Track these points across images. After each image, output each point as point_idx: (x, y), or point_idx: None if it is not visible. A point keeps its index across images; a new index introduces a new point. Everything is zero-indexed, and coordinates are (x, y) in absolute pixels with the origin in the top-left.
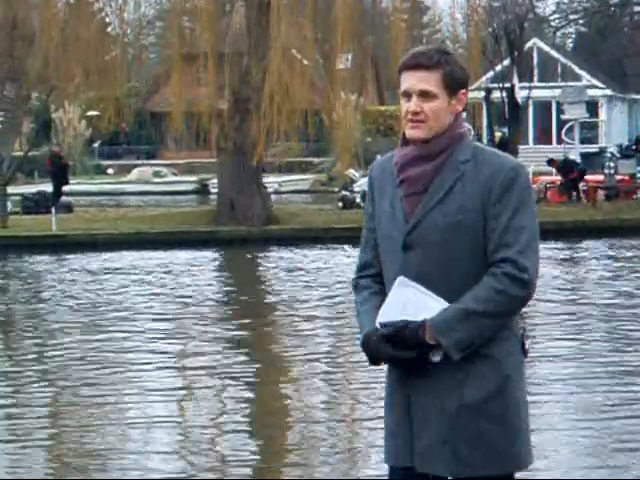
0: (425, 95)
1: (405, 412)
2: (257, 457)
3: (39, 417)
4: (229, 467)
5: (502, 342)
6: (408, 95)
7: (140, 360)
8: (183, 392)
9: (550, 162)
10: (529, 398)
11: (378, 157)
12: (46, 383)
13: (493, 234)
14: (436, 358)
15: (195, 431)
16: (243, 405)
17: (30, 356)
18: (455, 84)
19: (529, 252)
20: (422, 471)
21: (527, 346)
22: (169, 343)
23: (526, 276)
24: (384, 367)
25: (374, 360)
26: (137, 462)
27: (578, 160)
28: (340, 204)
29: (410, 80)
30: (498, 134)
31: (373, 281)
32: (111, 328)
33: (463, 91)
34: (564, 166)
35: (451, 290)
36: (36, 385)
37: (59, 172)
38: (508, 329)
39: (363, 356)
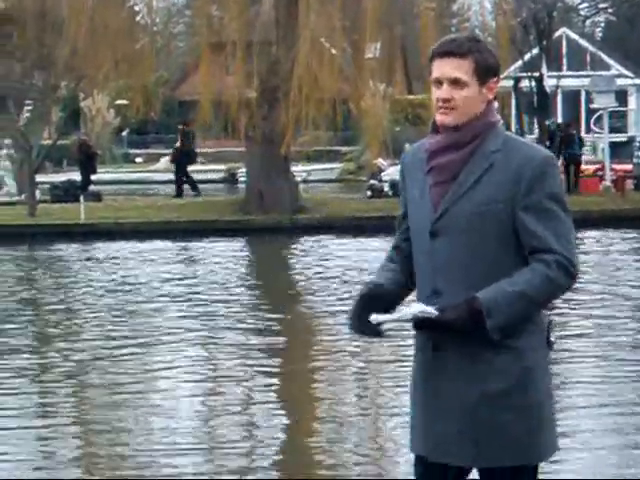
0: (456, 83)
1: (426, 401)
2: (284, 452)
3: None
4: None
5: (526, 334)
6: (439, 82)
7: (168, 344)
8: (207, 381)
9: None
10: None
11: (407, 145)
12: (76, 374)
13: (530, 225)
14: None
15: (219, 425)
16: (269, 395)
17: (58, 346)
18: (486, 72)
19: (572, 245)
20: (437, 461)
21: (553, 339)
22: (197, 331)
23: (574, 270)
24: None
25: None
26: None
27: (583, 147)
28: (368, 193)
29: (441, 68)
30: (547, 122)
31: (400, 255)
32: (139, 316)
33: (494, 79)
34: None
35: (476, 278)
36: (65, 371)
37: (87, 161)
38: (533, 322)
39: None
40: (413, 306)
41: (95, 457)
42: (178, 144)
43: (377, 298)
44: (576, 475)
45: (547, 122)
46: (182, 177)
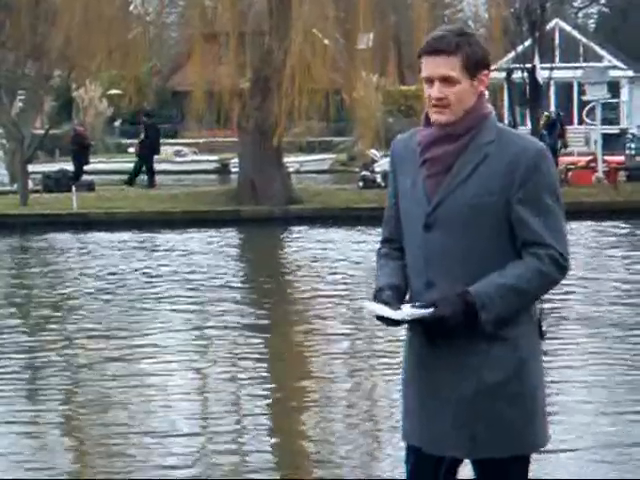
0: (447, 80)
1: (420, 394)
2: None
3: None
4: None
5: (519, 325)
6: (430, 81)
7: (158, 335)
8: (197, 374)
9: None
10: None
11: (399, 136)
12: (67, 358)
13: (524, 218)
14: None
15: (211, 421)
16: (259, 389)
17: (49, 338)
18: (476, 66)
19: (564, 239)
20: (434, 453)
21: (545, 329)
22: (187, 321)
23: (566, 264)
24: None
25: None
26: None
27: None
28: (361, 184)
29: (430, 66)
30: (545, 113)
31: (393, 249)
32: (129, 307)
33: (485, 72)
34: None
35: (470, 270)
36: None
37: (80, 151)
38: (526, 312)
39: (383, 334)
40: (404, 309)
41: (88, 456)
42: (142, 136)
43: (398, 299)
44: (568, 475)
45: (546, 113)
46: (151, 167)
